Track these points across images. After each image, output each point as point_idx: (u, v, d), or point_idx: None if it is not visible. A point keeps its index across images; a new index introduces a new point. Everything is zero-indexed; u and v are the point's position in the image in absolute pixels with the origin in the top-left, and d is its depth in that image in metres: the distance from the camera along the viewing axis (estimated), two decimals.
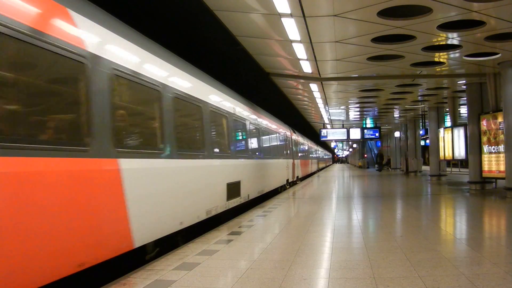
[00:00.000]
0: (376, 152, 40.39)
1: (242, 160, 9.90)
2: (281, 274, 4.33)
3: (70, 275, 3.74)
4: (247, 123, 10.74)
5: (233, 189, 8.61)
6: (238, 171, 9.32)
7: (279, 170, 15.40)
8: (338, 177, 27.21)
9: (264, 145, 12.90)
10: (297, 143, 22.26)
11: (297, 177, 21.17)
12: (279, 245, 5.93)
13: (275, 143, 15.20)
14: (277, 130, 15.68)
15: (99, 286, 4.28)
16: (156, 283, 4.10)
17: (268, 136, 13.63)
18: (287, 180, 17.40)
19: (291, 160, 18.73)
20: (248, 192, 10.02)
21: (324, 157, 58.70)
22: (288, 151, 18.24)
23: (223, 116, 8.53)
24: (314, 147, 37.94)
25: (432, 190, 15.28)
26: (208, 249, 5.60)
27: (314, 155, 37.19)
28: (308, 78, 13.63)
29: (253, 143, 11.51)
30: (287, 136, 18.33)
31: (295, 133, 22.13)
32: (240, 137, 10.41)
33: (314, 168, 35.02)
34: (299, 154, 23.42)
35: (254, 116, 11.69)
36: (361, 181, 22.58)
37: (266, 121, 13.63)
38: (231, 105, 9.25)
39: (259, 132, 12.20)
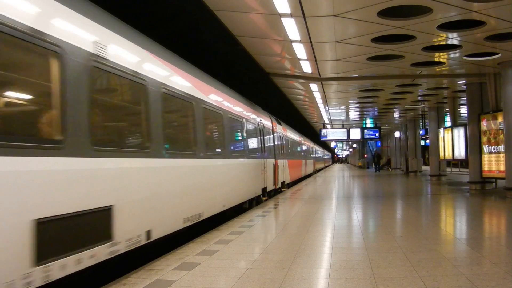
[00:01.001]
0: (379, 152, 40.24)
1: (126, 161, 4.81)
2: (281, 274, 4.33)
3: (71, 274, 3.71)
4: (156, 89, 5.56)
5: (68, 230, 3.78)
6: (101, 186, 4.31)
7: (246, 175, 10.44)
8: (337, 178, 27.19)
9: (208, 136, 8.10)
10: (283, 138, 17.38)
11: (283, 182, 16.40)
12: (279, 245, 5.93)
13: (238, 134, 10.19)
14: (243, 115, 10.60)
15: (99, 286, 4.28)
16: (156, 283, 4.10)
17: (219, 122, 8.64)
18: (264, 189, 12.50)
19: (272, 161, 13.87)
20: (147, 225, 5.14)
21: (323, 157, 55.85)
22: (267, 148, 13.37)
23: (50, 54, 3.74)
24: (310, 144, 33.15)
25: (432, 190, 15.28)
26: (208, 249, 5.60)
27: (310, 154, 32.37)
28: (308, 78, 13.63)
29: (175, 129, 6.90)
30: (266, 126, 13.43)
31: (280, 124, 17.21)
32: (130, 114, 5.47)
33: (309, 169, 30.29)
34: (288, 153, 18.72)
35: (186, 84, 6.76)
36: (361, 181, 22.58)
37: (218, 97, 8.64)
38: (92, 36, 4.34)
39: (197, 112, 7.11)
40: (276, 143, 15.13)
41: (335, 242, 5.99)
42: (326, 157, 63.60)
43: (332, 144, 71.15)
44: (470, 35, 8.85)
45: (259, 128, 12.43)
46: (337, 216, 8.72)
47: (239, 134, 10.37)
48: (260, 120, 12.69)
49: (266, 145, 13.20)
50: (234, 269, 4.66)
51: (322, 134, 25.23)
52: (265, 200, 12.31)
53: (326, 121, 28.19)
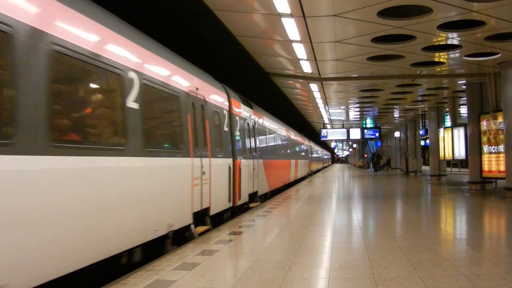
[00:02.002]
0: (378, 152, 40.16)
1: None
2: (281, 274, 4.33)
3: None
4: None
5: None
6: None
7: (128, 193, 4.89)
8: (337, 178, 27.17)
9: None
10: (255, 128, 11.84)
11: (253, 194, 11.20)
12: (279, 245, 5.93)
13: (102, 105, 4.89)
14: (132, 65, 5.10)
15: (99, 286, 4.28)
16: (156, 283, 4.10)
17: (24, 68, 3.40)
18: (202, 212, 7.19)
19: (224, 161, 8.64)
20: None
21: (322, 156, 51.93)
22: (214, 141, 8.06)
23: None
24: (304, 141, 27.77)
25: (432, 190, 15.28)
26: (208, 249, 5.60)
27: (304, 153, 27.29)
28: (308, 78, 13.63)
29: None
30: (211, 103, 8.07)
31: (250, 107, 11.70)
32: None
33: (302, 171, 24.80)
34: (265, 150, 13.45)
35: None
36: (360, 182, 22.58)
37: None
38: None
39: None
40: (236, 133, 9.66)
41: (335, 242, 5.98)
42: (325, 157, 60.86)
43: (332, 144, 71.14)
44: (470, 35, 8.85)
45: (192, 103, 6.92)
46: (337, 216, 8.72)
47: (110, 105, 5.01)
48: (196, 90, 7.15)
49: (209, 135, 7.67)
50: (234, 269, 4.66)
51: (322, 134, 25.26)
52: (202, 234, 6.76)
53: (326, 121, 28.20)
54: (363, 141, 43.16)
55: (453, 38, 9.21)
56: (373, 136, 25.64)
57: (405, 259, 4.86)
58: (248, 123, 11.12)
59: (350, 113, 24.46)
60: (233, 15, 8.03)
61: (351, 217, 8.59)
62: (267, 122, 14.50)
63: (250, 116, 11.51)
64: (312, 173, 33.01)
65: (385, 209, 9.99)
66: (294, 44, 9.56)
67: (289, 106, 23.74)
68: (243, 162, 10.14)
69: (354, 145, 61.36)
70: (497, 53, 10.44)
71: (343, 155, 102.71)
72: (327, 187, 18.39)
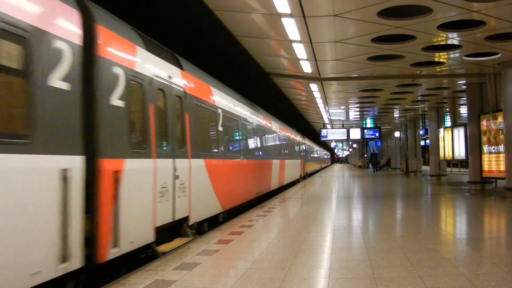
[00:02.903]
0: (376, 152, 40.14)
1: None
2: (281, 274, 4.33)
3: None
4: None
5: None
6: None
7: None
8: (337, 178, 27.16)
9: None
10: (158, 96, 5.72)
11: (175, 224, 6.07)
12: (279, 245, 5.93)
13: None
14: None
15: (99, 286, 4.28)
16: (156, 283, 4.10)
17: None
18: None
19: (55, 162, 3.61)
20: None
21: (321, 156, 49.25)
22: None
23: None
24: (293, 136, 22.42)
25: (432, 190, 15.28)
26: (208, 249, 5.60)
27: (295, 152, 22.56)
28: (308, 78, 13.64)
29: None
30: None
31: (173, 63, 6.46)
32: None
33: (293, 174, 20.64)
34: (205, 143, 8.03)
35: None
36: (360, 182, 22.57)
37: None
38: None
39: None
40: (113, 103, 4.57)
41: (335, 242, 5.98)
42: (324, 156, 58.58)
43: (332, 144, 71.10)
44: (470, 35, 8.86)
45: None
46: (337, 216, 8.71)
47: None
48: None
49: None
50: (234, 269, 4.66)
51: (322, 134, 25.27)
52: None
53: (326, 121, 28.21)
54: (363, 141, 43.14)
55: (453, 38, 9.22)
56: (373, 136, 25.67)
57: (405, 259, 4.86)
58: (163, 90, 5.93)
59: (350, 113, 24.46)
60: (233, 15, 8.03)
61: (351, 217, 8.59)
62: (222, 99, 9.02)
63: (171, 78, 6.23)
64: (307, 176, 28.59)
65: (385, 209, 9.98)
66: (294, 44, 9.56)
67: (289, 106, 23.74)
68: (134, 165, 4.96)
69: (354, 145, 61.32)
70: (497, 53, 10.44)
71: (343, 155, 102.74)
72: (326, 188, 18.38)
